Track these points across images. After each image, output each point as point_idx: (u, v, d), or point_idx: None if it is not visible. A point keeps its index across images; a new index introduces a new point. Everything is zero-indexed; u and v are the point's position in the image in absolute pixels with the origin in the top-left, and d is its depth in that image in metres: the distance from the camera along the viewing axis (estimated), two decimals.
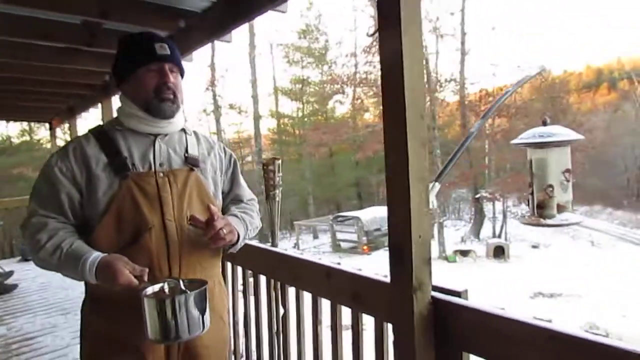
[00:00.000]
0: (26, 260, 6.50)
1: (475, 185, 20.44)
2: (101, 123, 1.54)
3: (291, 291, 2.07)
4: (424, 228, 1.29)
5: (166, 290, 1.28)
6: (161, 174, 1.39)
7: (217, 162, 1.59)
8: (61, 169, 1.35)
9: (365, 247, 18.61)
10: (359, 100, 24.72)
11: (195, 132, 1.59)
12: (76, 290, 4.68)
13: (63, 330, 3.78)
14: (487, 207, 21.06)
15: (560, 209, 1.80)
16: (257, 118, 26.45)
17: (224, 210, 1.60)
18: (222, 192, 1.62)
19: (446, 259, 15.89)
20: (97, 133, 1.43)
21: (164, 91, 1.39)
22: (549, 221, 1.79)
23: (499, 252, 15.67)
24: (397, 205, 1.28)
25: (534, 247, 18.16)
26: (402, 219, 1.27)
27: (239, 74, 38.08)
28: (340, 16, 48.90)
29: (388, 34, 1.26)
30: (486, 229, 20.61)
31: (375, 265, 15.78)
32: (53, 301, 4.56)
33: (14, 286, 5.04)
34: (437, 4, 18.96)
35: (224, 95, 27.75)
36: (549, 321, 1.12)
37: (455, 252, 16.03)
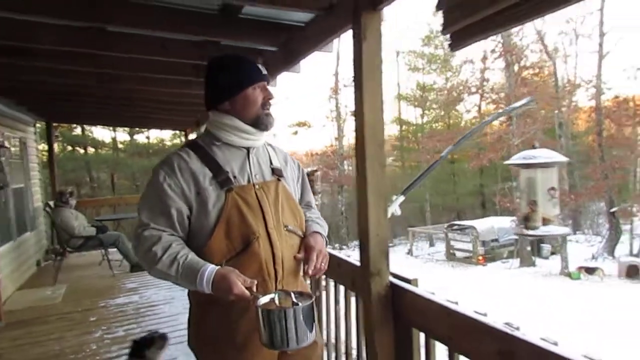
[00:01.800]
0: None
1: (611, 199, 18.61)
2: (194, 138, 1.68)
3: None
4: (382, 229, 1.73)
5: (277, 301, 1.34)
6: (257, 186, 1.50)
7: (292, 172, 1.71)
8: (170, 185, 1.43)
9: (480, 258, 18.05)
10: (479, 107, 23.91)
11: (270, 145, 1.71)
12: None
13: (178, 301, 4.72)
14: (630, 222, 19.03)
15: (546, 222, 2.02)
16: None
17: None
18: None
19: (569, 275, 14.81)
20: (195, 148, 1.52)
21: (268, 105, 1.54)
22: (531, 232, 2.04)
23: (634, 272, 14.17)
24: (361, 211, 1.74)
25: None
26: (364, 222, 1.72)
27: None
28: None
29: (356, 88, 1.74)
30: (625, 246, 18.68)
31: (490, 277, 15.22)
32: None
33: None
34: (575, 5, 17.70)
35: (347, 103, 28.78)
36: (455, 303, 1.49)
37: (580, 269, 14.83)
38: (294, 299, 1.32)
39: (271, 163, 1.61)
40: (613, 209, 18.24)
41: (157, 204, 1.43)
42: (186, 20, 2.67)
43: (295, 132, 30.37)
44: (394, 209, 2.25)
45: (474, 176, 29.23)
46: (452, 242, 20.05)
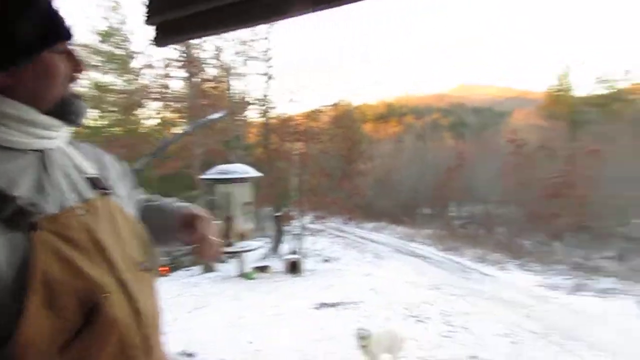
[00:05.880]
0: None
1: (277, 204, 21.47)
2: None
3: None
4: None
5: None
6: (80, 210, 0.91)
7: (117, 173, 1.15)
8: None
9: (164, 268, 17.87)
10: (161, 114, 23.92)
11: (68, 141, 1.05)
12: None
13: None
14: (290, 224, 22.22)
15: (242, 237, 2.00)
16: None
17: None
18: None
19: (245, 276, 16.19)
20: None
21: (75, 82, 0.96)
22: (228, 249, 1.97)
23: (294, 267, 16.62)
24: None
25: (326, 261, 19.79)
26: None
27: None
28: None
29: None
30: (288, 246, 21.78)
31: (167, 286, 15.09)
32: None
33: None
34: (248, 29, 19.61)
35: None
36: None
37: (254, 269, 16.44)
38: None
39: (84, 171, 1.00)
40: (277, 214, 21.12)
41: None
42: None
43: None
44: None
45: (158, 184, 28.83)
46: None
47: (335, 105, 26.13)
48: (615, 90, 35.70)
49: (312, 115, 22.52)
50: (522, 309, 12.91)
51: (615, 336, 10.71)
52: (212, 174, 2.00)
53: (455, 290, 14.88)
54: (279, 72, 26.42)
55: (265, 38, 20.85)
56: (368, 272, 17.37)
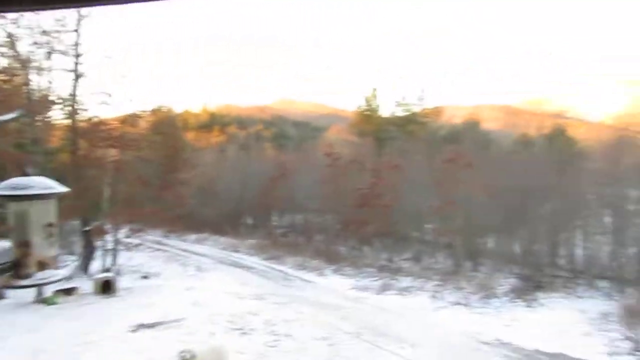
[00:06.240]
0: None
1: (86, 217, 19.25)
2: None
3: None
4: None
5: None
6: None
7: None
8: None
9: None
10: None
11: None
12: None
13: None
14: (103, 239, 20.11)
15: (43, 266, 1.64)
16: None
17: None
18: None
19: (45, 301, 14.06)
20: None
21: None
22: (23, 282, 1.59)
23: (107, 286, 15.10)
24: None
25: (144, 277, 18.43)
26: None
27: None
28: None
29: None
30: (99, 263, 19.65)
31: None
32: None
33: None
34: (51, 17, 17.19)
35: None
36: None
37: (57, 292, 14.37)
38: None
39: None
40: (87, 227, 18.93)
41: None
42: None
43: None
44: None
45: None
46: None
47: (154, 110, 24.70)
48: (410, 113, 41.08)
49: (129, 120, 20.76)
50: (339, 311, 13.81)
51: (415, 329, 12.18)
52: (3, 189, 1.59)
53: (278, 298, 15.22)
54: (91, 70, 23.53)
55: (75, 30, 18.66)
56: (190, 286, 16.68)
